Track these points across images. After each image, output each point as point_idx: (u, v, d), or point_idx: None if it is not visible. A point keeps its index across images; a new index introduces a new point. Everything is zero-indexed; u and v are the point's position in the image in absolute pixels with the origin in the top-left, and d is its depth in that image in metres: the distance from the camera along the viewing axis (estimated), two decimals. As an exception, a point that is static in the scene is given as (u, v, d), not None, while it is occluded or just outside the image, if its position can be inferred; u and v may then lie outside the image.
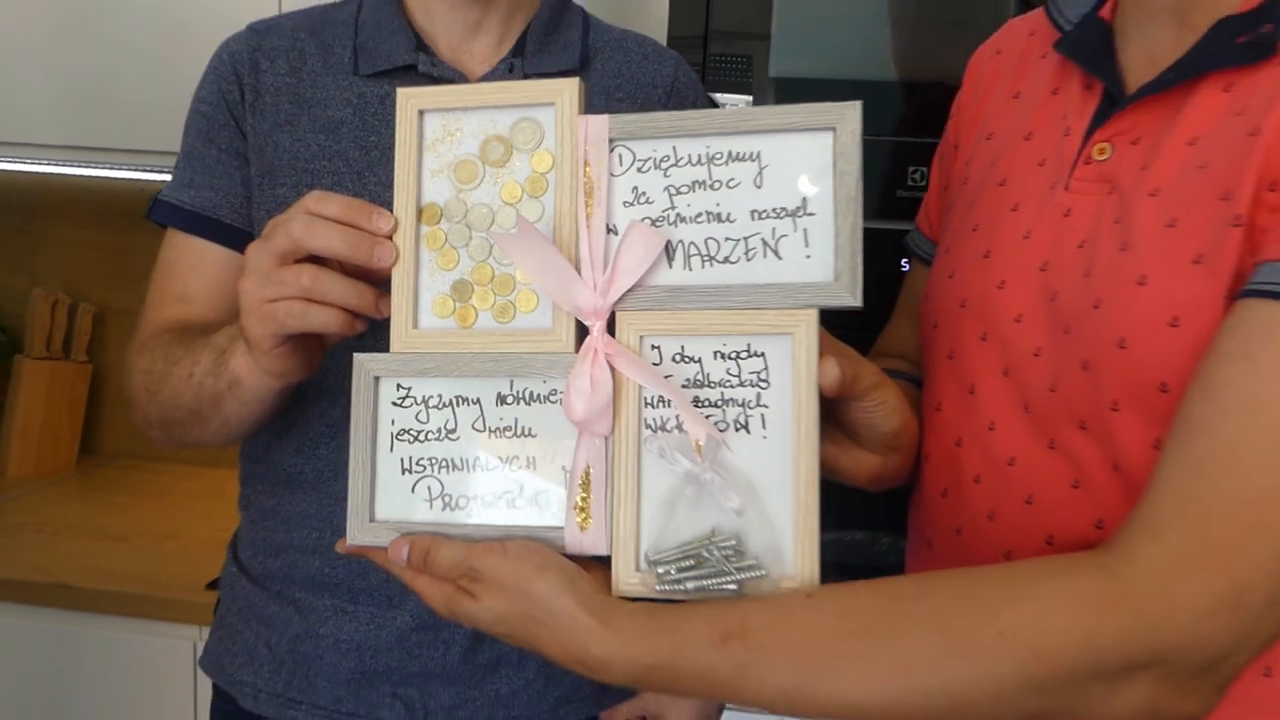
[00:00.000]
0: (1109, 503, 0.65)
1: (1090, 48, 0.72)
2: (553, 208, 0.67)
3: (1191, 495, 0.56)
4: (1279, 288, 0.56)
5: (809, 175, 0.64)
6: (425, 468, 0.68)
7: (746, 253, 0.64)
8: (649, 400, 0.64)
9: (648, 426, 0.64)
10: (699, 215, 0.65)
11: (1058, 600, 0.56)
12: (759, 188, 0.65)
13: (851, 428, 0.70)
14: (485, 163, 0.69)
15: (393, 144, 0.69)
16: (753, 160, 0.65)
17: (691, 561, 0.62)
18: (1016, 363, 0.70)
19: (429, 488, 0.67)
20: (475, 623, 0.62)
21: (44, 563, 1.50)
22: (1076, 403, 0.66)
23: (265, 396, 0.79)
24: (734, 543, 0.62)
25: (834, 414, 0.69)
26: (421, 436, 0.68)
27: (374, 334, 0.71)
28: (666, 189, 0.66)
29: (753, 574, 0.61)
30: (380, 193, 0.88)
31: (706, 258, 0.65)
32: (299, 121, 0.92)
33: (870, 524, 1.45)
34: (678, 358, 0.65)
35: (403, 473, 0.68)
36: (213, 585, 1.35)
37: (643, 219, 0.66)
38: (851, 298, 0.62)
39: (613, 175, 0.67)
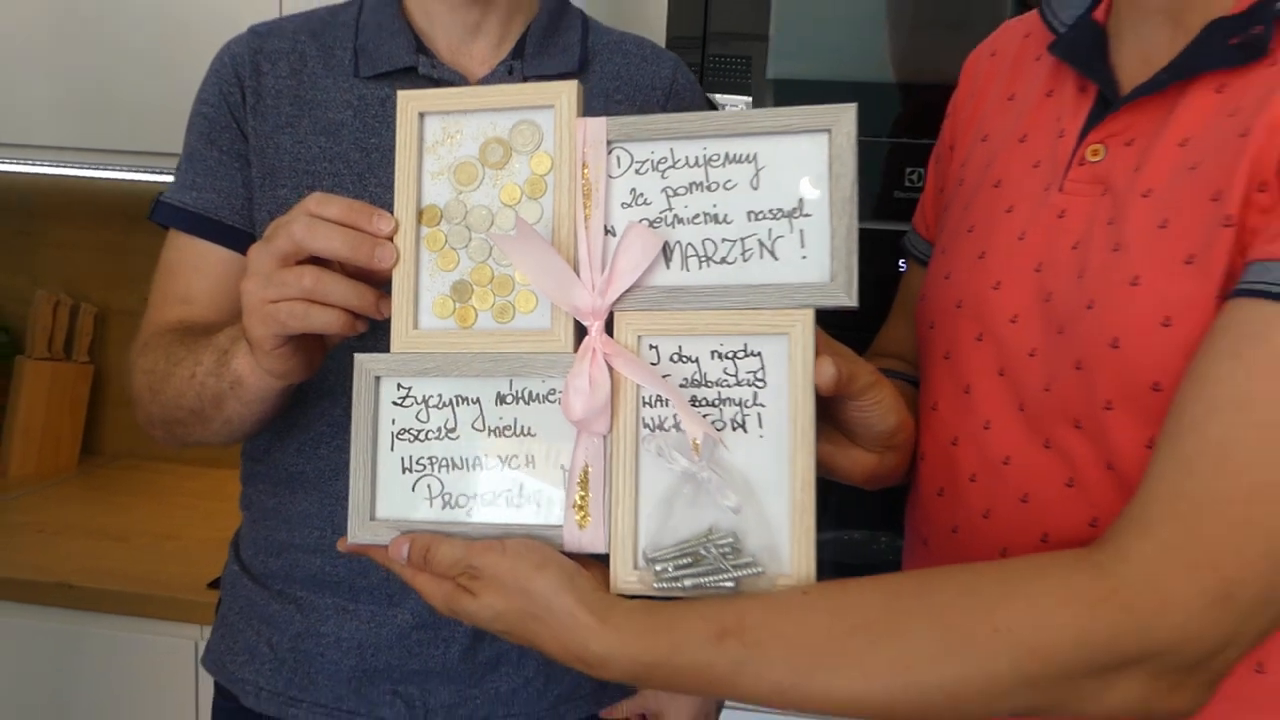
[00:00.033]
0: (1103, 501, 0.65)
1: (1084, 50, 0.72)
2: (551, 209, 0.68)
3: (1182, 493, 0.56)
4: (1269, 287, 0.56)
5: (805, 177, 0.64)
6: (425, 467, 0.68)
7: (743, 253, 0.65)
8: (647, 399, 0.65)
9: (646, 425, 0.65)
10: (696, 216, 0.66)
11: (1052, 597, 0.57)
12: (756, 189, 0.65)
13: (848, 426, 0.71)
14: (485, 165, 0.70)
15: (393, 146, 0.70)
16: (749, 162, 0.65)
17: (689, 559, 0.63)
18: (1012, 363, 0.70)
19: (429, 486, 0.68)
20: (475, 620, 0.63)
21: (46, 562, 1.50)
22: (1071, 402, 0.66)
23: (267, 396, 0.79)
24: (731, 540, 0.63)
25: (830, 413, 0.70)
26: (422, 436, 0.68)
27: (375, 334, 0.71)
28: (664, 190, 0.66)
29: (750, 571, 0.62)
30: (380, 194, 0.89)
31: (704, 258, 0.66)
32: (300, 123, 0.92)
33: (869, 523, 1.45)
34: (675, 357, 0.65)
35: (403, 472, 0.69)
36: (214, 584, 1.36)
37: (640, 220, 0.66)
38: (847, 298, 0.63)
39: (611, 177, 0.67)
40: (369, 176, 0.91)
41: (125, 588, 1.44)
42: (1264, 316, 0.56)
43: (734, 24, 1.37)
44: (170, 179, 0.96)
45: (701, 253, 0.66)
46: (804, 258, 0.64)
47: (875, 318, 0.95)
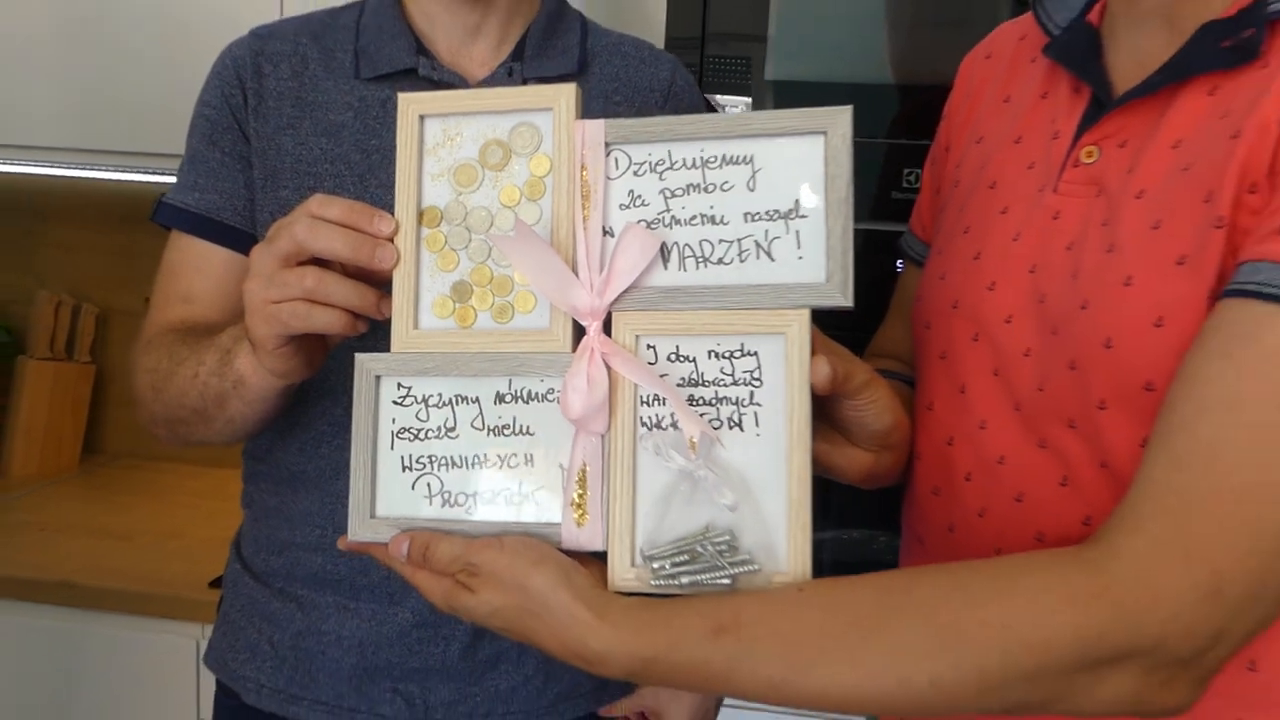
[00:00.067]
0: (1097, 500, 0.66)
1: (1078, 52, 0.73)
2: (550, 210, 0.68)
3: (1172, 490, 0.57)
4: (1259, 287, 0.57)
5: (801, 179, 0.65)
6: (425, 465, 0.69)
7: (740, 254, 0.66)
8: (644, 399, 0.66)
9: (643, 424, 0.65)
10: (694, 217, 0.66)
11: (1044, 593, 0.57)
12: (752, 190, 0.66)
13: (844, 425, 0.72)
14: (484, 166, 0.70)
15: (393, 147, 0.71)
16: (746, 164, 0.66)
17: (686, 556, 0.63)
18: (1007, 363, 0.71)
19: (429, 485, 0.69)
20: (473, 616, 0.63)
21: (47, 561, 1.51)
22: (1065, 402, 0.67)
23: (269, 396, 0.80)
24: (727, 538, 0.63)
25: (827, 412, 0.70)
26: (422, 435, 0.69)
27: (375, 334, 0.72)
28: (662, 192, 0.67)
29: (746, 568, 0.62)
30: (381, 195, 0.89)
31: (701, 259, 0.66)
32: (301, 125, 0.93)
33: (868, 523, 1.46)
34: (673, 357, 0.66)
35: (403, 470, 0.69)
36: (215, 583, 1.36)
37: (638, 221, 0.67)
38: (842, 298, 0.63)
39: (609, 178, 0.68)
40: (370, 178, 0.92)
41: (127, 586, 1.45)
42: (1254, 317, 0.57)
43: (733, 25, 1.38)
44: (172, 180, 0.97)
45: (698, 253, 0.66)
46: (800, 258, 0.65)
47: (872, 318, 0.96)
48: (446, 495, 0.68)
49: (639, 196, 0.67)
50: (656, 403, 0.65)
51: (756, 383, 0.64)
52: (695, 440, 0.63)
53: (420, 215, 0.70)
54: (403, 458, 0.69)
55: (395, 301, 0.70)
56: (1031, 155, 0.74)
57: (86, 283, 1.99)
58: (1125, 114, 0.68)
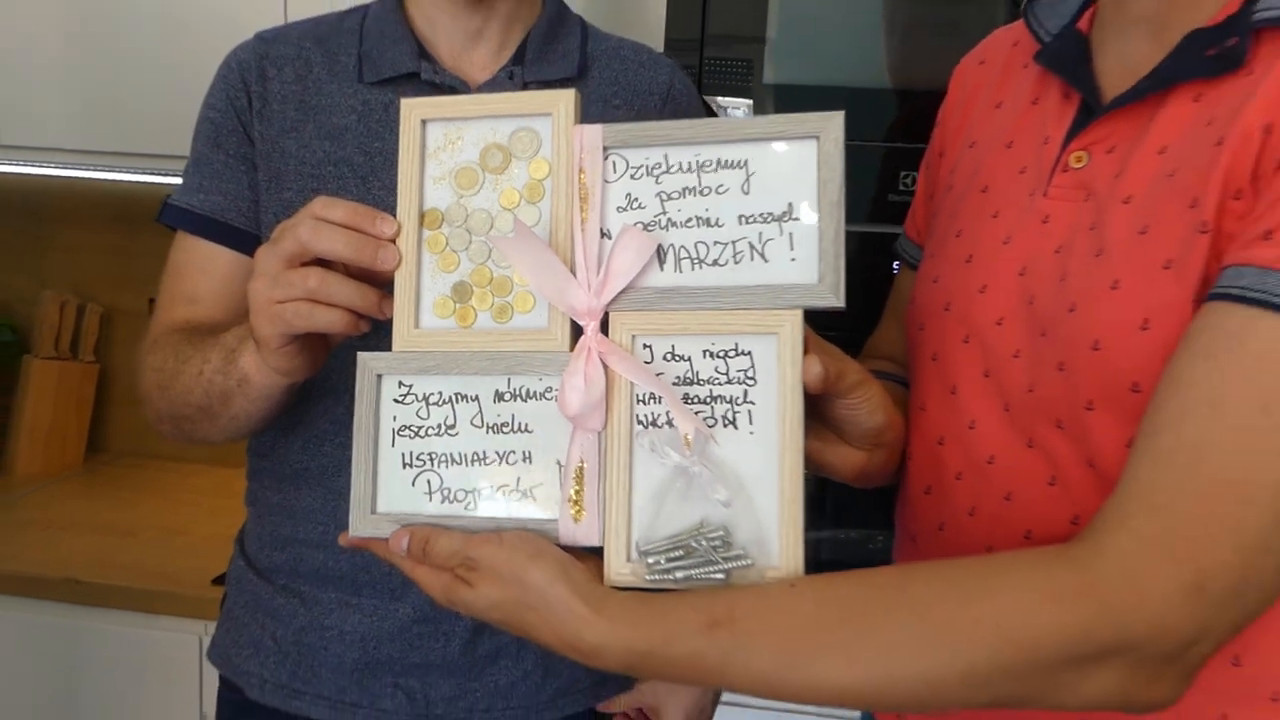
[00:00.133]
0: (1084, 499, 0.67)
1: (1068, 58, 0.74)
2: (549, 213, 0.70)
3: (1157, 489, 0.58)
4: (1243, 291, 0.58)
5: (795, 182, 0.66)
6: (425, 462, 0.70)
7: (734, 256, 0.67)
8: (640, 397, 0.67)
9: (639, 422, 0.66)
10: (689, 220, 0.68)
11: (1031, 591, 0.58)
12: (747, 194, 0.67)
13: (837, 424, 0.73)
14: (485, 170, 0.71)
15: (395, 150, 0.72)
16: (741, 167, 0.67)
17: (681, 552, 0.64)
18: (997, 364, 0.72)
19: (429, 481, 0.70)
20: (472, 610, 0.64)
21: (52, 558, 1.52)
22: (1053, 403, 0.68)
23: (273, 394, 0.81)
24: (722, 534, 0.64)
25: (820, 411, 0.71)
26: (422, 432, 0.70)
27: (377, 334, 0.73)
28: (658, 195, 0.68)
29: (739, 564, 0.63)
30: (384, 197, 0.90)
31: (696, 261, 0.67)
32: (305, 128, 0.94)
33: (865, 522, 1.47)
34: (668, 356, 0.67)
35: (404, 467, 0.70)
36: (219, 580, 1.37)
37: (635, 223, 0.68)
38: (834, 298, 0.64)
39: (607, 182, 0.69)
40: (372, 180, 0.93)
41: (131, 583, 1.46)
42: (1237, 320, 0.58)
43: (732, 27, 1.38)
44: (177, 182, 0.97)
45: (694, 255, 0.67)
46: (793, 260, 0.66)
47: (869, 319, 0.97)
48: (446, 491, 0.69)
49: (636, 199, 0.68)
50: (652, 401, 0.66)
51: (750, 381, 0.66)
52: (690, 437, 0.64)
53: (422, 217, 0.72)
54: (403, 455, 0.70)
55: (397, 301, 0.71)
56: (1023, 160, 0.75)
57: (91, 283, 2.01)
58: (1113, 120, 0.69)
